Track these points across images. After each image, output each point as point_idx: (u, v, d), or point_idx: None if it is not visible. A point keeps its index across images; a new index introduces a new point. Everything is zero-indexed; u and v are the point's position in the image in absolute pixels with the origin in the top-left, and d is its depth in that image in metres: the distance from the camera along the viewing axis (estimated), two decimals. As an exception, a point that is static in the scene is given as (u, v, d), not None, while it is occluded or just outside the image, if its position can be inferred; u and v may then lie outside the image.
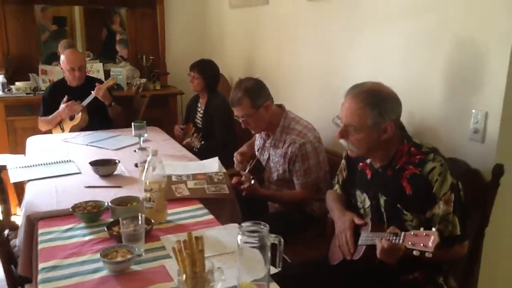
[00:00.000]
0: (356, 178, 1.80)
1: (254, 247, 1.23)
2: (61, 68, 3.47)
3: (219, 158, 2.52)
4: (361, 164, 1.76)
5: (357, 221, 1.65)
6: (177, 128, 3.53)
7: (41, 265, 1.48)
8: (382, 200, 1.64)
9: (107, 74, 4.15)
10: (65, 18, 4.60)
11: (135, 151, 2.50)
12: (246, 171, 2.37)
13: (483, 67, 1.71)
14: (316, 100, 2.91)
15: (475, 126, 1.72)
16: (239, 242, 1.22)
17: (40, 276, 1.42)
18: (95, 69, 4.17)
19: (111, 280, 1.39)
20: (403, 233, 1.40)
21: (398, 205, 1.57)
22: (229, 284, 1.31)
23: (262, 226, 1.26)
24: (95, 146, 2.91)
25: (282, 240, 1.28)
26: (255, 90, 2.25)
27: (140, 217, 1.55)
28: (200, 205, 1.99)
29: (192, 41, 4.54)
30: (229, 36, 4.20)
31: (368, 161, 1.71)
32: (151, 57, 4.36)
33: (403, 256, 1.44)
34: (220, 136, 3.28)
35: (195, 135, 3.26)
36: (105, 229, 1.65)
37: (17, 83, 3.85)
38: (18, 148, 3.64)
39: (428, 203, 1.51)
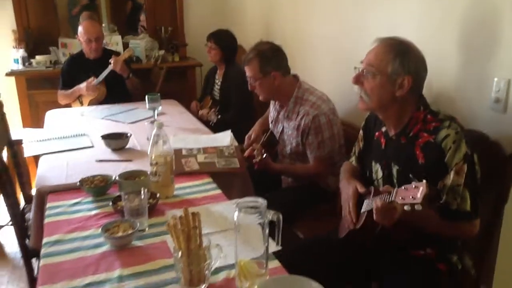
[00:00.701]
0: (372, 149, 1.72)
1: (251, 223, 1.17)
2: (79, 40, 3.45)
3: (235, 132, 2.48)
4: (377, 133, 1.68)
5: (360, 188, 1.58)
6: (193, 104, 3.49)
7: (45, 239, 1.49)
8: (394, 169, 1.56)
9: (126, 46, 4.11)
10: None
11: (146, 124, 2.47)
12: (259, 144, 2.32)
13: (504, 30, 1.58)
14: (331, 71, 2.80)
15: (497, 95, 1.60)
16: (236, 219, 1.17)
17: (42, 251, 1.42)
18: (114, 41, 4.14)
19: (112, 255, 1.38)
20: (395, 189, 1.33)
21: (410, 175, 1.50)
22: (229, 261, 1.28)
23: (260, 202, 1.20)
24: (111, 120, 2.91)
25: (281, 216, 1.23)
26: (268, 55, 2.18)
27: (143, 192, 1.52)
28: (209, 180, 1.96)
29: (211, 11, 4.43)
30: (248, 5, 4.08)
31: (383, 129, 1.63)
32: (169, 28, 4.30)
33: (406, 222, 1.39)
34: (237, 108, 3.21)
35: (212, 109, 3.22)
36: (110, 203, 1.64)
37: (37, 57, 3.87)
38: (40, 122, 3.66)
39: (440, 173, 1.42)
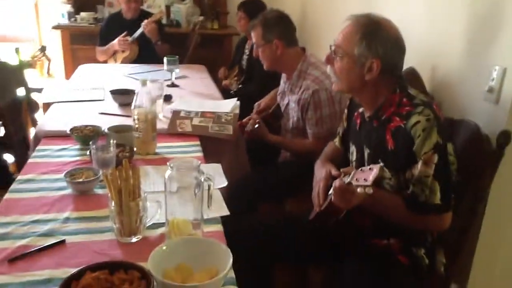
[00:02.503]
0: (351, 129, 1.65)
1: (182, 186, 1.17)
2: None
3: (254, 103, 2.48)
4: (355, 113, 1.60)
5: (334, 172, 1.52)
6: (221, 71, 3.49)
7: (19, 176, 1.58)
8: (366, 153, 1.49)
9: (168, 10, 4.18)
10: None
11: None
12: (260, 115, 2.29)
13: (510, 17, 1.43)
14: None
15: (491, 84, 1.46)
16: (166, 177, 1.17)
17: (12, 186, 1.51)
18: (157, 4, 4.21)
19: (68, 199, 1.44)
20: (353, 170, 1.27)
21: (379, 160, 1.42)
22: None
23: (194, 163, 1.19)
24: (132, 78, 2.98)
25: (211, 183, 1.21)
26: (271, 23, 2.13)
27: (111, 144, 1.56)
28: (197, 143, 1.97)
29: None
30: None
31: (361, 109, 1.55)
32: (212, -5, 4.31)
33: (370, 209, 1.36)
34: (259, 80, 3.18)
35: (235, 77, 3.21)
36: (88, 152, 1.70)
37: (81, 13, 4.03)
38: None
39: (408, 161, 1.33)
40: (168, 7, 4.21)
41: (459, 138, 1.52)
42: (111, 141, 1.57)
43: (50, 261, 1.13)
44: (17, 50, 2.43)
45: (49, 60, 4.10)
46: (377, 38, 1.35)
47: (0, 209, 1.35)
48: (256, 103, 2.58)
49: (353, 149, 1.59)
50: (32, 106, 2.40)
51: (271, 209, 2.29)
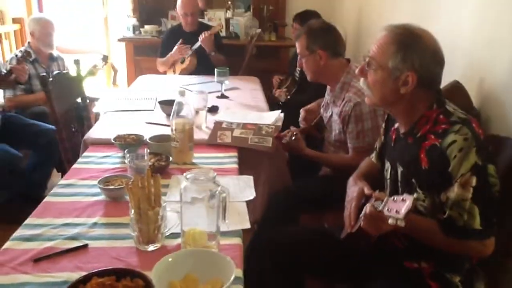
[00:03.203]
0: (387, 145, 1.58)
1: (197, 197, 1.18)
2: (177, 13, 3.68)
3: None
4: (392, 128, 1.53)
5: (366, 190, 1.46)
6: (275, 78, 3.50)
7: (61, 181, 1.67)
8: (399, 171, 1.41)
9: (228, 22, 4.27)
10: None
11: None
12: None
13: None
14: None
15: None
16: (182, 188, 1.18)
17: (53, 190, 1.60)
18: (217, 17, 4.32)
19: (100, 204, 1.50)
20: (386, 198, 1.20)
21: (413, 180, 1.34)
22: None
23: (210, 175, 1.19)
24: (186, 89, 3.06)
25: (228, 192, 1.21)
26: (317, 33, 2.10)
27: (146, 153, 1.61)
28: (234, 154, 1.98)
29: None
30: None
31: (396, 125, 1.48)
32: (271, 7, 4.34)
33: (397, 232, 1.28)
34: (312, 92, 3.14)
35: (285, 88, 3.20)
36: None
37: (146, 26, 4.23)
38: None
39: (443, 183, 1.25)
40: (227, 20, 4.31)
41: (504, 157, 1.41)
42: (146, 150, 1.62)
43: (69, 264, 1.18)
44: (76, 61, 2.60)
45: (115, 70, 4.32)
46: (413, 50, 1.28)
47: (37, 211, 1.44)
48: (303, 108, 2.54)
49: (387, 166, 1.52)
50: (87, 115, 2.55)
51: (311, 222, 2.25)
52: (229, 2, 4.53)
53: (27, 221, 1.37)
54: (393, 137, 1.50)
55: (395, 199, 1.17)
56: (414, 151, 1.34)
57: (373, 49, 1.37)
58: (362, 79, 1.43)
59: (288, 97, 3.10)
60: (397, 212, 1.13)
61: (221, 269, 1.04)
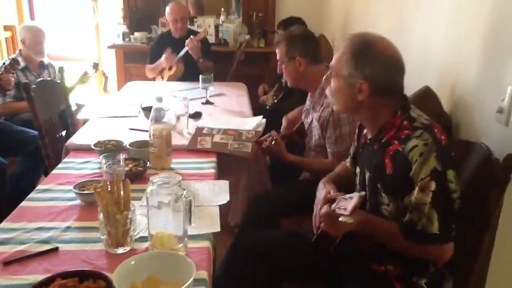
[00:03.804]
0: (358, 150, 1.61)
1: (163, 201, 1.20)
2: (166, 20, 3.72)
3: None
4: (362, 134, 1.56)
5: (332, 193, 1.49)
6: (261, 88, 3.54)
7: (38, 186, 1.70)
8: (367, 176, 1.45)
9: (217, 29, 4.31)
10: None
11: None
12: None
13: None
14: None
15: (501, 104, 1.36)
16: (148, 193, 1.21)
17: (30, 195, 1.62)
18: (207, 24, 4.36)
19: (75, 209, 1.53)
20: (339, 197, 1.24)
21: (378, 185, 1.37)
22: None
23: (175, 179, 1.22)
24: (172, 95, 3.09)
25: (193, 197, 1.24)
26: (296, 40, 2.14)
27: (121, 159, 1.64)
28: (213, 159, 2.01)
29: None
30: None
31: (365, 131, 1.51)
32: (260, 14, 4.38)
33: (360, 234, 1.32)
34: (296, 99, 3.17)
35: (272, 93, 3.24)
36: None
37: (135, 33, 4.27)
38: (130, 92, 4.07)
39: (405, 187, 1.28)
40: (216, 27, 4.35)
41: (471, 162, 1.44)
42: (122, 155, 1.64)
43: (39, 267, 1.20)
44: (60, 69, 2.63)
45: (106, 77, 4.36)
46: (364, 58, 1.32)
47: (12, 216, 1.46)
48: (284, 116, 2.58)
49: (358, 170, 1.55)
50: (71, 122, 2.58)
51: (292, 226, 2.27)
52: (222, 9, 4.58)
53: (1, 225, 1.40)
54: (362, 142, 1.53)
55: (345, 197, 1.21)
56: (379, 157, 1.37)
57: (334, 57, 1.42)
58: (328, 87, 1.47)
59: (276, 101, 3.13)
60: (345, 209, 1.16)
61: (183, 271, 1.07)
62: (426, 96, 1.70)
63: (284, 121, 2.53)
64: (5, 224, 1.41)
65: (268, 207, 2.12)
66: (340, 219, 1.20)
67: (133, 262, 1.09)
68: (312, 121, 2.28)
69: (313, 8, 4.21)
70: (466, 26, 1.66)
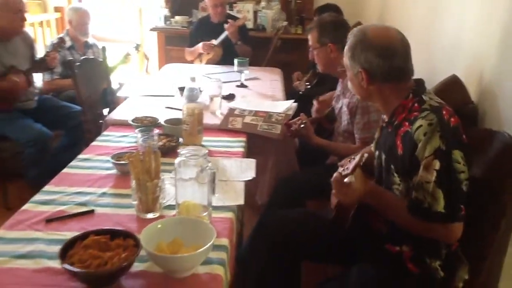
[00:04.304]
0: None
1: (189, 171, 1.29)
2: (206, 5, 3.81)
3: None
4: (382, 119, 1.61)
5: None
6: (295, 75, 3.58)
7: (80, 155, 1.83)
8: (383, 158, 1.49)
9: (256, 15, 4.37)
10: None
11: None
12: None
13: None
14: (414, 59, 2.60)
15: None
16: (176, 164, 1.30)
17: (71, 162, 1.76)
18: (246, 9, 4.42)
19: (112, 177, 1.65)
20: (346, 161, 1.32)
21: (391, 166, 1.42)
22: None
23: (201, 151, 1.31)
24: (209, 78, 3.19)
25: (217, 169, 1.32)
26: (327, 27, 2.18)
27: (155, 134, 1.74)
28: (243, 139, 2.09)
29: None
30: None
31: (384, 115, 1.56)
32: (298, 1, 4.40)
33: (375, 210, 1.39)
34: (329, 85, 3.20)
35: (305, 79, 3.27)
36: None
37: (176, 17, 4.38)
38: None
39: (412, 166, 1.32)
40: (255, 12, 4.41)
41: (493, 150, 1.45)
42: (155, 131, 1.75)
43: (76, 226, 1.32)
44: (103, 49, 2.77)
45: (147, 59, 4.51)
46: (359, 49, 1.42)
47: (54, 180, 1.60)
48: (315, 99, 2.62)
49: (376, 154, 1.59)
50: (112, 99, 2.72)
51: (317, 207, 2.33)
52: (263, -5, 4.63)
53: (44, 188, 1.54)
54: (381, 126, 1.57)
55: (350, 160, 1.27)
56: (392, 139, 1.42)
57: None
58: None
59: (308, 87, 3.17)
60: (347, 168, 1.22)
61: (205, 236, 1.15)
62: (452, 85, 1.71)
63: (315, 103, 2.57)
64: (48, 187, 1.55)
65: (294, 189, 2.19)
66: (345, 180, 1.26)
67: (159, 226, 1.19)
68: (342, 106, 2.32)
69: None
70: (494, 17, 1.65)
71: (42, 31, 4.38)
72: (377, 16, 3.65)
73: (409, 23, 2.79)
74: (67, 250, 1.09)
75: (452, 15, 2.10)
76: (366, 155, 1.36)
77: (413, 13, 2.72)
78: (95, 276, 1.03)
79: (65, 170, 1.70)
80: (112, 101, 2.77)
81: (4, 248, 1.22)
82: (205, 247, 1.09)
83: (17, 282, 1.10)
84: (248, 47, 3.70)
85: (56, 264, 1.13)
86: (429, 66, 2.22)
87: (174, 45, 4.36)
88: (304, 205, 2.25)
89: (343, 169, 1.35)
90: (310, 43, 2.27)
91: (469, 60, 1.83)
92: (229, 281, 1.26)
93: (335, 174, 1.37)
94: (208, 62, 3.76)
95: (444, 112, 1.31)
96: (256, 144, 2.18)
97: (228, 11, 3.95)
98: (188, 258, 1.08)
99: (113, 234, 1.15)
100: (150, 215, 1.38)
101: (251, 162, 1.83)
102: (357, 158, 1.24)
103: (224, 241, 1.28)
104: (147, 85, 2.90)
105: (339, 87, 2.38)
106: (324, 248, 1.69)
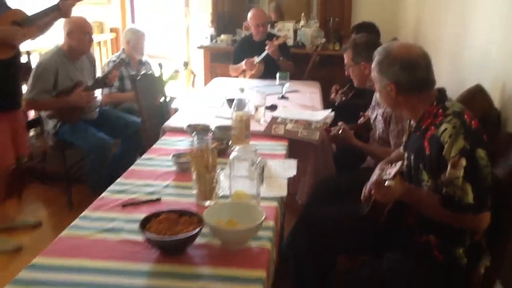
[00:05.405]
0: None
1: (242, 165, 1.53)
2: (248, 24, 4.10)
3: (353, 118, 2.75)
4: (410, 124, 1.79)
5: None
6: (333, 88, 3.78)
7: (144, 155, 2.11)
8: (412, 158, 1.67)
9: (296, 33, 4.63)
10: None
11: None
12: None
13: None
14: (444, 70, 2.76)
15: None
16: (231, 158, 1.54)
17: (136, 161, 2.04)
18: (286, 28, 4.68)
19: (173, 173, 1.91)
20: (386, 166, 1.49)
21: (420, 165, 1.60)
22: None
23: (252, 149, 1.54)
24: (254, 91, 3.44)
25: (265, 163, 1.54)
26: (361, 47, 2.39)
27: (208, 137, 1.99)
28: (285, 143, 2.32)
29: (379, 4, 4.59)
30: (408, 2, 4.12)
31: (411, 121, 1.74)
32: (336, 19, 4.63)
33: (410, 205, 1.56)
34: (365, 99, 3.38)
35: (341, 91, 3.48)
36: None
37: (222, 35, 4.70)
38: (214, 88, 4.49)
39: (440, 165, 1.50)
40: (295, 31, 4.67)
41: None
42: (209, 135, 2.00)
43: (147, 210, 1.56)
44: (160, 65, 3.08)
45: (194, 75, 4.84)
46: (384, 64, 1.61)
47: (124, 175, 1.88)
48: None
49: (405, 156, 1.78)
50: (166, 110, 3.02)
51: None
52: (303, 14, 4.88)
53: (117, 180, 1.81)
54: (409, 132, 1.76)
55: (391, 166, 1.45)
56: (420, 141, 1.60)
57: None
58: None
59: (343, 98, 3.37)
60: (389, 174, 1.41)
61: (255, 216, 1.38)
62: (475, 93, 1.89)
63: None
64: (119, 180, 1.83)
65: (332, 189, 2.38)
66: (386, 184, 1.44)
67: (218, 208, 1.43)
68: (377, 116, 2.51)
69: (387, 13, 4.40)
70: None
71: (99, 50, 4.80)
72: (412, 32, 3.82)
73: (440, 38, 2.96)
74: (145, 224, 1.34)
75: (479, 33, 2.28)
76: (406, 162, 1.53)
77: (444, 29, 2.89)
78: (169, 243, 1.27)
79: (132, 167, 1.97)
80: (166, 111, 3.07)
81: (90, 224, 1.49)
82: (257, 223, 1.31)
83: (104, 249, 1.35)
84: (290, 62, 3.95)
85: (134, 237, 1.39)
86: (457, 77, 2.39)
87: (219, 62, 4.66)
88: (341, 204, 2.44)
89: (384, 173, 1.52)
90: (345, 61, 2.48)
91: (494, 72, 1.99)
92: (275, 260, 1.47)
93: (375, 177, 1.55)
94: (251, 77, 4.02)
95: (465, 116, 1.50)
96: (297, 149, 2.40)
97: (269, 30, 4.22)
98: (243, 231, 1.31)
99: (181, 213, 1.39)
100: (207, 203, 1.62)
101: (293, 162, 2.05)
102: (398, 165, 1.42)
103: (271, 223, 1.50)
104: (197, 97, 3.18)
105: (374, 98, 2.58)
106: (358, 242, 1.87)
